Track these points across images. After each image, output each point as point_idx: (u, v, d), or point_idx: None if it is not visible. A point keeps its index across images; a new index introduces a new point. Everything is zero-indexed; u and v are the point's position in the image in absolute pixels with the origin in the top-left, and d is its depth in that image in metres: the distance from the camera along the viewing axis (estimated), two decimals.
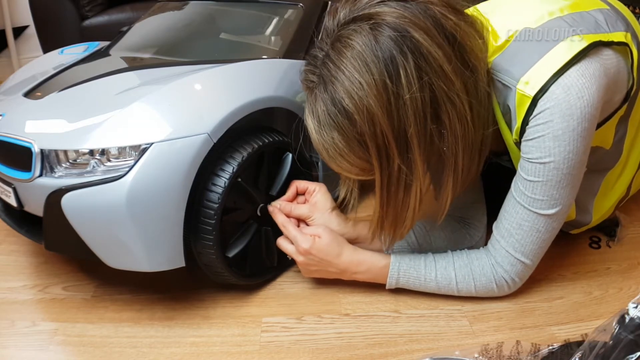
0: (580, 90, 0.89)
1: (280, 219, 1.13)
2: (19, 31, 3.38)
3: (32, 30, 2.99)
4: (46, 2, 2.61)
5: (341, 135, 0.90)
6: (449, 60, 0.86)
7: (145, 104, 1.02)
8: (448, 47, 0.87)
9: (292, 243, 1.11)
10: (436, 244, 1.16)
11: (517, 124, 0.96)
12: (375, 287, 1.14)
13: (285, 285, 1.18)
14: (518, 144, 0.98)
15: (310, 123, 0.94)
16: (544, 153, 0.92)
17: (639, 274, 1.18)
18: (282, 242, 1.13)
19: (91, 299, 1.16)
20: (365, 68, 0.85)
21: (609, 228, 1.31)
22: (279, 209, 1.14)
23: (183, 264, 1.03)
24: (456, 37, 0.88)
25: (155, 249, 0.99)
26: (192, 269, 1.10)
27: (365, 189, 1.04)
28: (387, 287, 1.10)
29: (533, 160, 0.94)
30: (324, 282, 1.18)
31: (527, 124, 0.93)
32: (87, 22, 2.61)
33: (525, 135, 0.95)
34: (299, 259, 1.09)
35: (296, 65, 1.17)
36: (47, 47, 2.68)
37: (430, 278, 1.07)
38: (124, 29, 1.57)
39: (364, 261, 1.09)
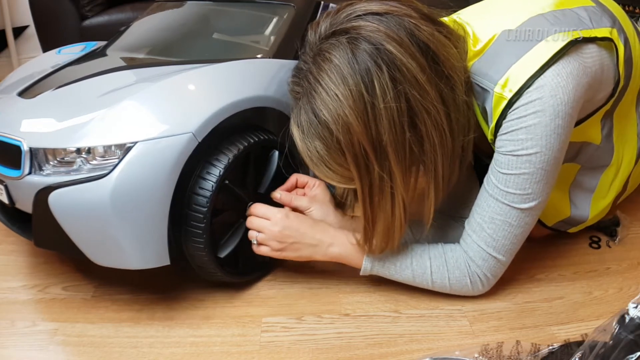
0: (554, 89, 0.91)
1: (251, 209, 1.11)
2: (19, 31, 3.38)
3: (32, 30, 2.99)
4: (46, 2, 2.60)
5: (322, 144, 0.93)
6: (423, 71, 0.89)
7: (132, 103, 1.02)
8: (422, 58, 0.90)
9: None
10: (434, 242, 1.15)
11: (492, 124, 0.97)
12: (375, 286, 1.14)
13: (285, 285, 1.18)
14: (493, 143, 0.99)
15: (295, 132, 0.97)
16: (517, 146, 0.93)
17: (639, 274, 1.17)
18: (254, 220, 1.10)
19: (91, 299, 1.15)
20: (342, 80, 0.88)
21: (609, 228, 1.31)
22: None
23: (168, 262, 1.03)
24: (430, 48, 0.91)
25: (140, 247, 1.00)
26: (187, 268, 1.11)
27: None
28: (361, 273, 1.09)
29: (506, 153, 0.95)
30: (324, 282, 1.18)
31: (503, 120, 0.95)
32: (87, 22, 2.61)
33: (500, 130, 0.96)
34: (274, 229, 1.07)
35: (287, 65, 1.17)
36: (47, 47, 2.67)
37: (406, 265, 1.07)
38: (122, 29, 1.57)
39: (340, 236, 1.08)
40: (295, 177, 1.19)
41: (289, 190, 1.18)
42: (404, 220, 0.98)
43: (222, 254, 1.10)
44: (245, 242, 1.13)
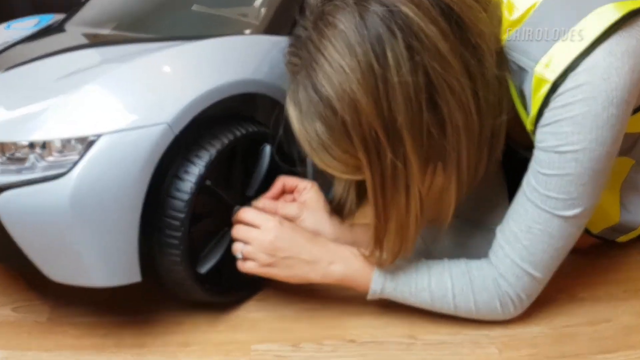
0: (606, 70, 0.85)
1: (238, 215, 1.08)
2: None
3: None
4: None
5: (324, 125, 0.89)
6: (446, 38, 0.85)
7: (95, 88, 0.98)
8: (444, 23, 0.85)
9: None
10: (452, 257, 1.10)
11: (532, 112, 0.92)
12: (385, 307, 1.08)
13: (278, 306, 1.13)
14: (533, 134, 0.94)
15: (292, 112, 0.93)
16: (561, 140, 0.88)
17: None
18: (241, 228, 1.06)
19: (47, 322, 1.11)
20: (349, 49, 0.84)
21: None
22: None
23: (139, 279, 0.99)
24: (453, 10, 0.86)
25: (105, 260, 0.96)
26: (161, 286, 1.07)
27: (364, 190, 1.01)
28: (369, 296, 1.04)
29: (548, 149, 0.90)
30: (325, 302, 1.13)
31: (545, 108, 0.90)
32: None
33: (541, 120, 0.91)
34: (264, 239, 1.03)
35: (281, 42, 1.13)
36: None
37: (423, 286, 1.02)
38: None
39: (343, 250, 1.04)
40: (281, 181, 1.14)
41: (276, 197, 1.14)
42: (420, 218, 0.93)
43: (203, 269, 1.06)
44: (231, 255, 1.08)
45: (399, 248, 0.97)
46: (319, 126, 0.90)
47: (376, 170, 0.89)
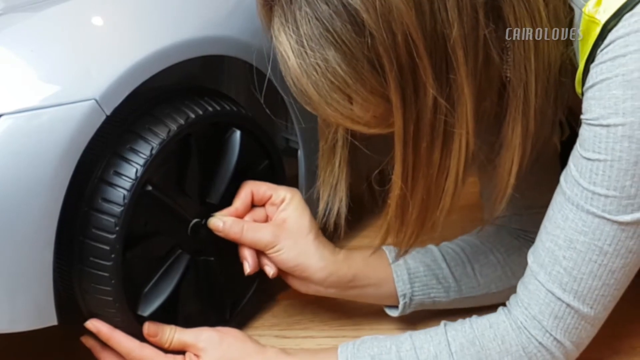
0: None
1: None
2: None
3: None
4: None
5: (341, 53, 0.78)
6: None
7: None
8: None
9: None
10: (483, 278, 1.06)
11: (580, 66, 0.84)
12: None
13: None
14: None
15: (285, 41, 0.81)
16: (609, 109, 0.80)
17: None
18: None
19: None
20: None
21: None
22: None
23: (55, 322, 0.92)
24: None
25: (7, 296, 0.89)
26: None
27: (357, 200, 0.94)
28: None
29: (592, 122, 0.82)
30: None
31: (591, 63, 0.83)
32: None
33: (587, 80, 0.83)
34: None
35: None
36: None
37: None
38: None
39: None
40: (249, 189, 1.05)
41: (241, 212, 1.05)
42: (460, 179, 0.85)
43: (147, 311, 0.98)
44: (187, 289, 1.03)
45: (422, 225, 0.89)
46: (332, 55, 0.79)
47: (410, 113, 0.80)
